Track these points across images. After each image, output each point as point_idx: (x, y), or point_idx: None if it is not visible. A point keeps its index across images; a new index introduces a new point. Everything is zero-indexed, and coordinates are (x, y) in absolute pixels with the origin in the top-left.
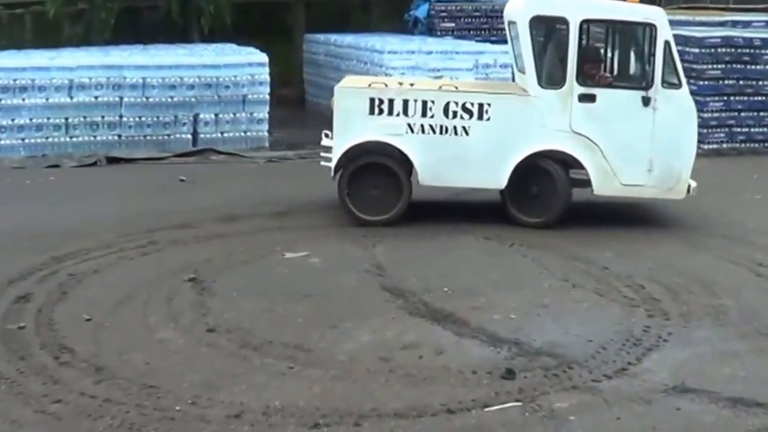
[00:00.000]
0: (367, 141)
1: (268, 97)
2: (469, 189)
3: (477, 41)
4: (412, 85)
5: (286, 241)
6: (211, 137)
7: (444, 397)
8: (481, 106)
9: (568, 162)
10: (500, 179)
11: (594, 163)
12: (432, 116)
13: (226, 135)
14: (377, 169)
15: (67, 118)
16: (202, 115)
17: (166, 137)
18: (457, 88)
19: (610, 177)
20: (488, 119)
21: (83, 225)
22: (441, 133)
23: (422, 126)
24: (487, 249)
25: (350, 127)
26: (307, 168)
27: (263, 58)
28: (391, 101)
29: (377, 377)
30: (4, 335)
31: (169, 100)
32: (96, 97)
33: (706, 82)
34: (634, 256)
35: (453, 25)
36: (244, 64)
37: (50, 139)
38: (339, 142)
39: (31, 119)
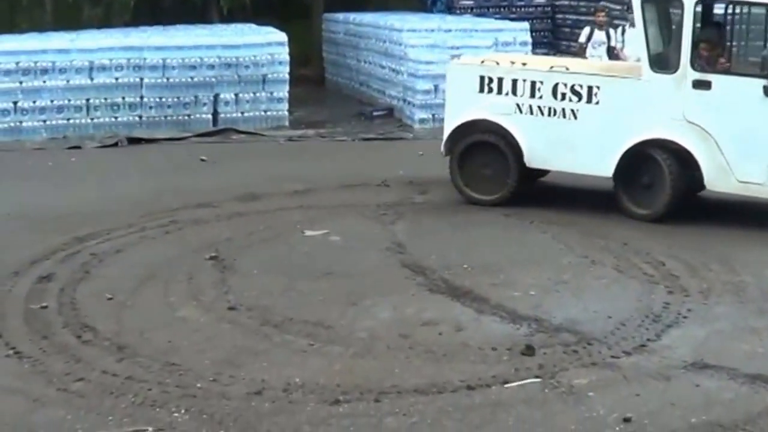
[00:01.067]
0: (476, 119)
1: (287, 76)
2: (577, 175)
3: (496, 19)
4: (524, 64)
5: (307, 219)
6: (231, 117)
7: (464, 373)
8: (590, 88)
9: (680, 153)
10: (607, 166)
11: (708, 156)
12: (540, 97)
13: (246, 114)
14: (487, 149)
15: (88, 100)
16: (222, 95)
17: (186, 117)
18: (567, 68)
19: (726, 172)
20: (597, 103)
21: (105, 205)
22: (549, 115)
23: (530, 107)
24: (507, 226)
25: (461, 105)
26: (327, 147)
27: (282, 37)
28: (500, 80)
29: (397, 354)
30: (27, 315)
31: (190, 80)
32: (117, 79)
33: None
34: (653, 233)
35: (472, 2)
36: (264, 44)
37: (72, 121)
38: (450, 119)
39: (52, 101)
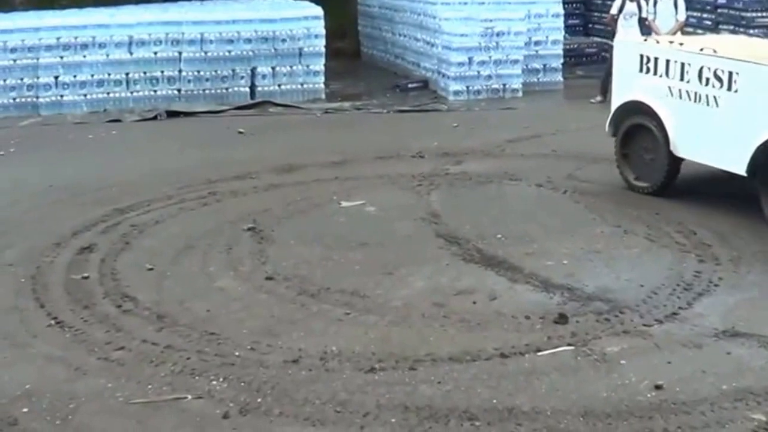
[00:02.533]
0: (634, 100)
1: (323, 49)
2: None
3: None
4: (681, 44)
5: (343, 190)
6: (268, 90)
7: (497, 341)
8: (730, 74)
9: None
10: (740, 163)
11: None
12: (688, 81)
13: (283, 87)
14: (644, 133)
15: (127, 74)
16: (259, 69)
17: (224, 91)
18: (715, 51)
19: None
20: (736, 90)
21: (144, 177)
22: (695, 100)
23: (680, 90)
24: (540, 196)
25: (623, 85)
26: (363, 119)
27: (318, 11)
28: (656, 60)
29: (432, 322)
30: (68, 285)
31: (227, 54)
32: (155, 53)
33: None
34: (685, 202)
35: None
36: (300, 18)
37: (111, 95)
38: (614, 98)
39: (92, 75)
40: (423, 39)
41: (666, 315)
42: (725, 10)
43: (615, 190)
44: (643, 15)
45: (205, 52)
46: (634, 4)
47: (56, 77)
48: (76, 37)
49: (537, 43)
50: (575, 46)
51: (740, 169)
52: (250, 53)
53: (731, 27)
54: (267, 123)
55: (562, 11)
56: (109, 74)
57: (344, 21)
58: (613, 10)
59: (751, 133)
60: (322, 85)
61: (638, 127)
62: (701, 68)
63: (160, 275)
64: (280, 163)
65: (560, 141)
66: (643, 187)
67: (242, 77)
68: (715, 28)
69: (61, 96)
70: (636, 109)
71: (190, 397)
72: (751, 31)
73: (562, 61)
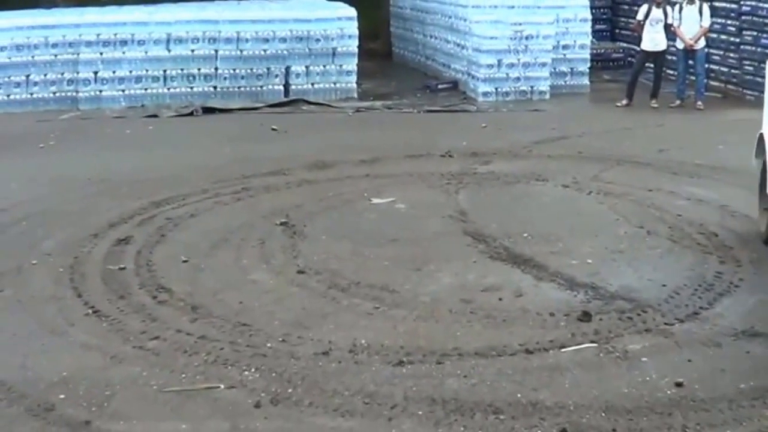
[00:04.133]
0: None
1: (356, 49)
2: None
3: None
4: None
5: (373, 187)
6: (302, 88)
7: (523, 337)
8: None
9: None
10: None
11: None
12: None
13: (316, 86)
14: None
15: (165, 70)
16: (293, 67)
17: (259, 88)
18: None
19: None
20: None
21: (180, 172)
22: None
23: None
24: (565, 196)
25: None
26: (394, 118)
27: (352, 12)
28: None
29: (459, 318)
30: (105, 275)
31: (262, 52)
32: (192, 50)
33: None
34: (707, 205)
35: None
36: (334, 18)
37: (149, 90)
38: (763, 123)
39: (131, 71)
40: (453, 41)
41: (687, 314)
42: (749, 17)
43: (638, 192)
44: (669, 21)
45: (241, 51)
46: (660, 10)
47: (96, 73)
48: (115, 34)
49: (565, 47)
50: (602, 50)
51: None
52: (285, 52)
53: (754, 33)
54: (300, 121)
55: (589, 16)
56: (147, 70)
57: (377, 22)
58: (639, 16)
59: None
60: (355, 85)
61: None
62: None
63: (195, 267)
64: (312, 160)
65: (586, 143)
66: None
67: (276, 75)
68: (738, 34)
69: (100, 91)
70: None
71: (222, 386)
72: None
73: (588, 65)
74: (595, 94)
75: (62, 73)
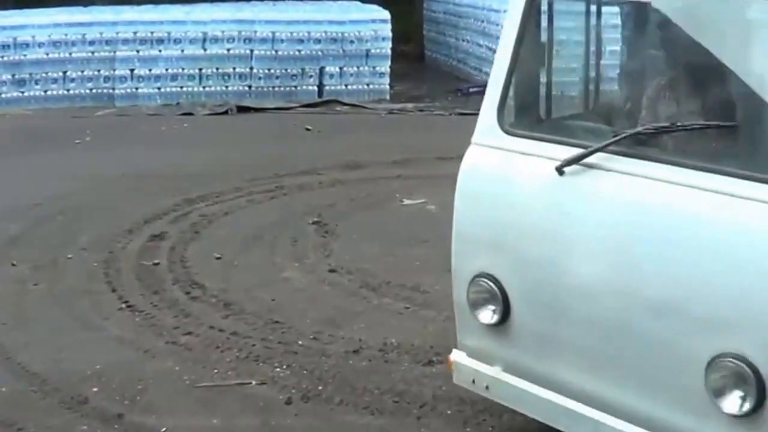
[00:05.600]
0: None
1: (389, 52)
2: None
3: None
4: None
5: (405, 188)
6: (335, 89)
7: None
8: None
9: None
10: None
11: None
12: None
13: (349, 87)
14: None
15: (200, 69)
16: (327, 68)
17: (293, 88)
18: None
19: None
20: None
21: (214, 169)
22: None
23: None
24: None
25: None
26: (426, 120)
27: (386, 14)
28: None
29: None
30: (139, 271)
31: (297, 53)
32: (228, 50)
33: None
34: None
35: None
36: (368, 21)
37: (184, 89)
38: None
39: (167, 69)
40: (485, 45)
41: None
42: None
43: None
44: None
45: (276, 51)
46: None
47: (132, 70)
48: (152, 32)
49: None
50: None
51: None
52: (319, 53)
53: None
54: (333, 121)
55: (619, 22)
56: (182, 69)
57: (410, 26)
58: None
59: None
60: (388, 87)
61: None
62: None
63: (228, 264)
64: (345, 160)
65: None
66: None
67: (311, 76)
68: None
69: (136, 88)
70: None
71: (254, 382)
72: None
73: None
74: None
75: (99, 70)
